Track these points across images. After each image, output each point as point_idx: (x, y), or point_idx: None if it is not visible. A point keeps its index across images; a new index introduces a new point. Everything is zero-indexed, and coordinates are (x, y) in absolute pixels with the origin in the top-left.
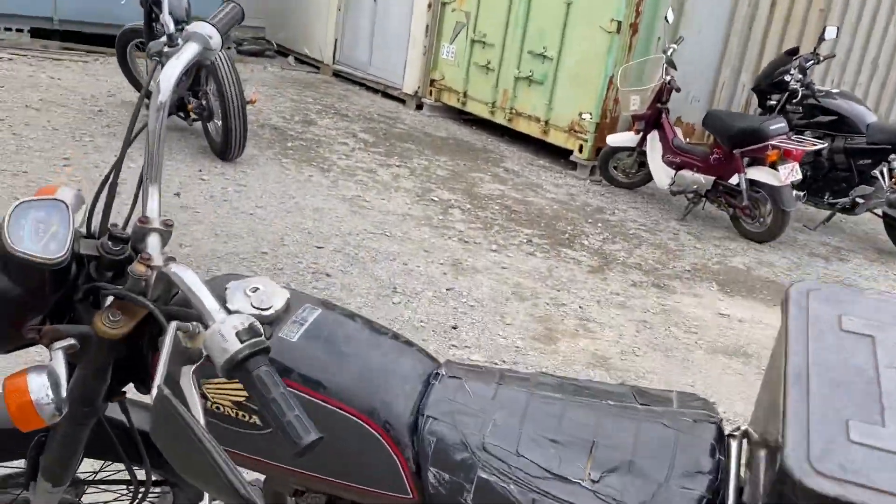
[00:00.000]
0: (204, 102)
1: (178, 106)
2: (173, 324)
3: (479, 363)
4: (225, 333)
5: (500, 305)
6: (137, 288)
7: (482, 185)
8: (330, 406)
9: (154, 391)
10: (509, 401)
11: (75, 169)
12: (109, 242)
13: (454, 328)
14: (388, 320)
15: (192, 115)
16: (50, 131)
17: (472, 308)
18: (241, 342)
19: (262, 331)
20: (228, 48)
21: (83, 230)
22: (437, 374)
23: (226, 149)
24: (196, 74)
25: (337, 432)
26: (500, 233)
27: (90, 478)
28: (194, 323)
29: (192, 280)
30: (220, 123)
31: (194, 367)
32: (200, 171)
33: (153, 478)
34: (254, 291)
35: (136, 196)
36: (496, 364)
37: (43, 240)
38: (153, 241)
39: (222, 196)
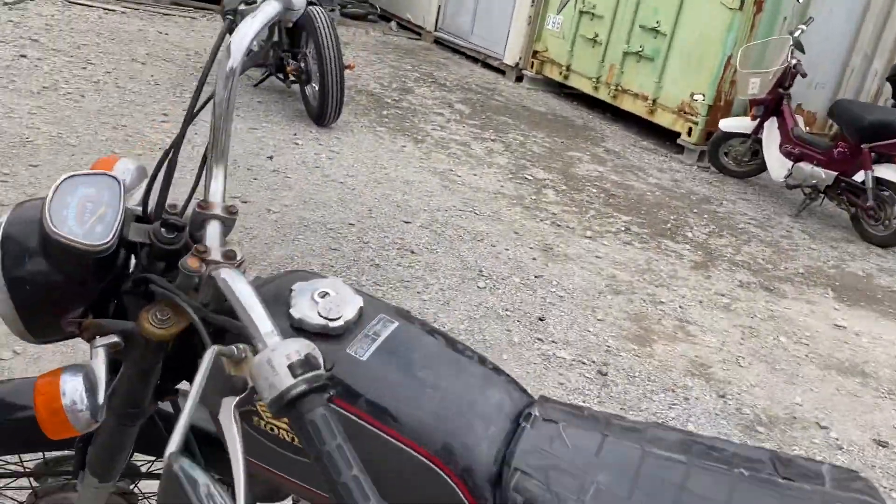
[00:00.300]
0: (303, 65)
1: (277, 67)
2: (211, 350)
3: (581, 405)
4: (275, 364)
5: (592, 298)
6: (188, 285)
7: (580, 166)
8: (399, 443)
9: (165, 458)
10: (617, 458)
11: (173, 125)
12: (163, 229)
13: (541, 320)
14: (472, 306)
15: (291, 77)
16: (152, 86)
17: (562, 299)
18: (295, 376)
19: (321, 363)
20: (332, 10)
21: (140, 209)
22: (530, 414)
23: (322, 114)
24: (296, 35)
25: (404, 474)
26: (596, 218)
27: (144, 469)
28: (241, 345)
29: (242, 290)
30: (317, 87)
31: (237, 399)
32: (295, 135)
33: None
34: (322, 297)
35: (197, 176)
36: (589, 407)
37: (88, 222)
38: (212, 231)
39: (314, 162)
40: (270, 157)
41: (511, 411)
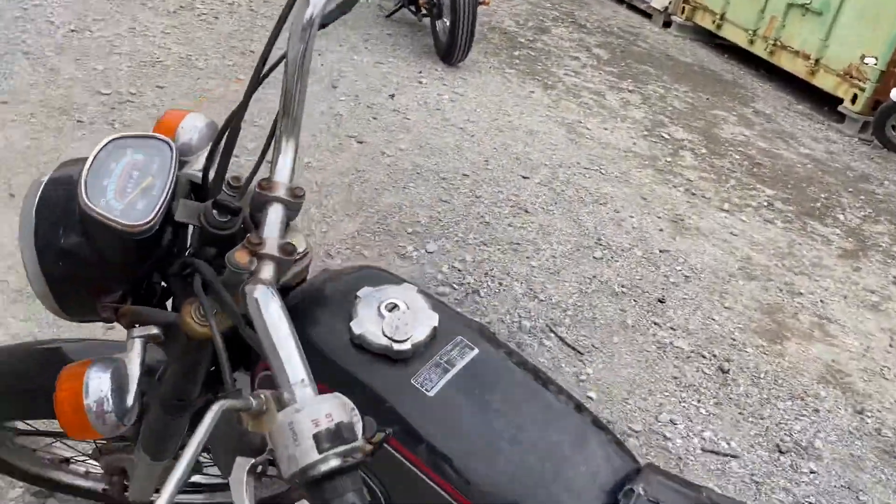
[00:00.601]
0: None
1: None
2: (218, 405)
3: (699, 485)
4: (299, 430)
5: (722, 282)
6: (235, 281)
7: (724, 127)
8: None
9: None
10: None
11: None
12: (215, 211)
13: (661, 301)
14: (585, 278)
15: (423, 10)
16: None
17: (687, 280)
18: (320, 451)
19: (358, 434)
20: None
21: (200, 175)
22: (632, 490)
23: (450, 51)
24: None
25: None
26: (736, 189)
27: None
28: (264, 394)
29: (274, 319)
30: (448, 22)
31: (253, 462)
32: (420, 72)
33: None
34: (391, 310)
35: (264, 147)
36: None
37: (130, 195)
38: (273, 216)
39: (436, 104)
40: (392, 96)
41: (608, 482)
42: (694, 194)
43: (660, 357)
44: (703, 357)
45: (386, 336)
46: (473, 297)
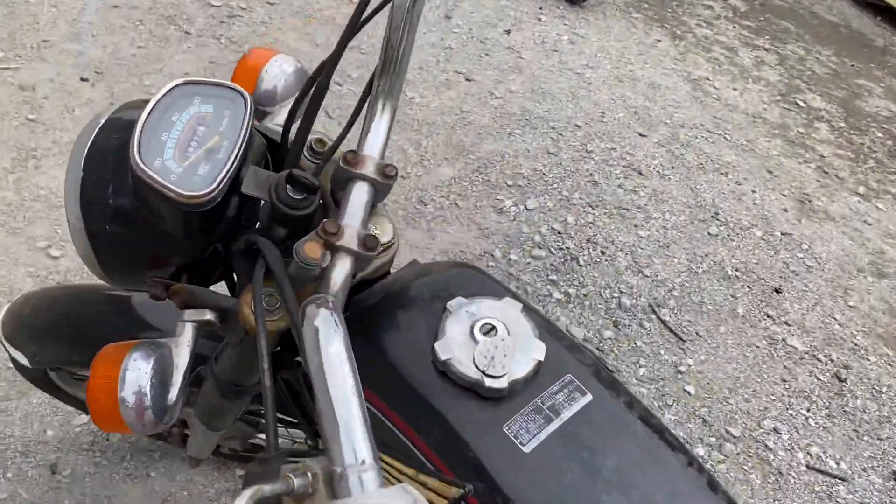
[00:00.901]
0: None
1: None
2: (252, 491)
3: None
4: None
5: (848, 276)
6: (303, 276)
7: (868, 100)
8: None
9: None
10: None
11: None
12: (288, 187)
13: (777, 291)
14: (696, 256)
15: None
16: None
17: (808, 269)
18: None
19: None
20: None
21: (280, 132)
22: None
23: None
24: None
25: None
26: (876, 171)
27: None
28: (313, 471)
29: (333, 363)
30: None
31: None
32: (541, 8)
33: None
34: (487, 332)
35: (356, 110)
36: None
37: (192, 156)
38: (357, 198)
39: (554, 44)
40: (508, 32)
41: None
42: (826, 173)
43: (769, 355)
44: (819, 360)
45: (477, 367)
46: (571, 265)
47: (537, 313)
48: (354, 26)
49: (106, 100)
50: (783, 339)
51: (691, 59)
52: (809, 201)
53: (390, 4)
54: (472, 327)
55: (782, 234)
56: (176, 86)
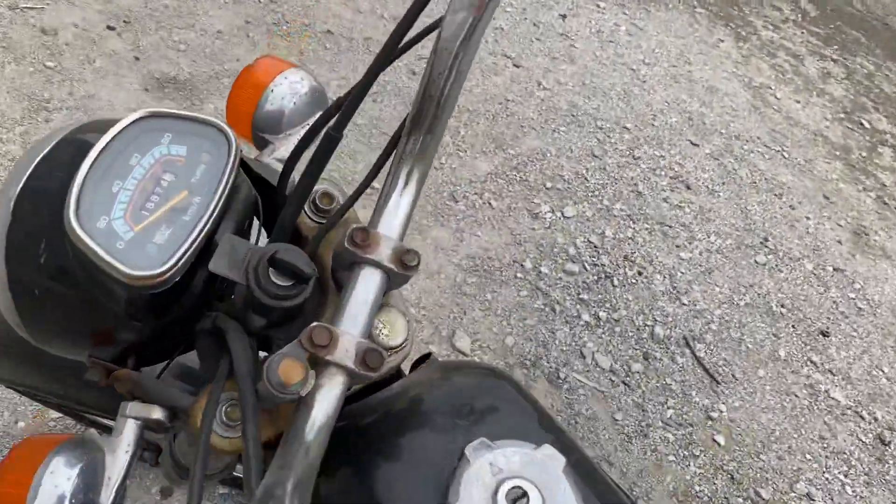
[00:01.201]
0: None
1: None
2: None
3: None
4: None
5: None
6: (279, 400)
7: None
8: None
9: None
10: None
11: None
12: (271, 271)
13: (824, 335)
14: (740, 286)
15: None
16: None
17: (859, 312)
18: None
19: None
20: None
21: (280, 171)
22: None
23: None
24: None
25: None
26: None
27: None
28: None
29: None
30: None
31: None
32: None
33: None
34: (516, 500)
35: (372, 170)
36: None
37: (149, 217)
38: (363, 291)
39: (610, 35)
40: (563, 17)
41: None
42: (886, 204)
43: (810, 407)
44: (862, 418)
45: None
46: (605, 284)
47: (587, 461)
48: (389, 54)
49: (130, 53)
50: (825, 390)
51: (754, 63)
52: (866, 234)
53: (438, 32)
54: (496, 491)
55: (834, 269)
56: (141, 117)
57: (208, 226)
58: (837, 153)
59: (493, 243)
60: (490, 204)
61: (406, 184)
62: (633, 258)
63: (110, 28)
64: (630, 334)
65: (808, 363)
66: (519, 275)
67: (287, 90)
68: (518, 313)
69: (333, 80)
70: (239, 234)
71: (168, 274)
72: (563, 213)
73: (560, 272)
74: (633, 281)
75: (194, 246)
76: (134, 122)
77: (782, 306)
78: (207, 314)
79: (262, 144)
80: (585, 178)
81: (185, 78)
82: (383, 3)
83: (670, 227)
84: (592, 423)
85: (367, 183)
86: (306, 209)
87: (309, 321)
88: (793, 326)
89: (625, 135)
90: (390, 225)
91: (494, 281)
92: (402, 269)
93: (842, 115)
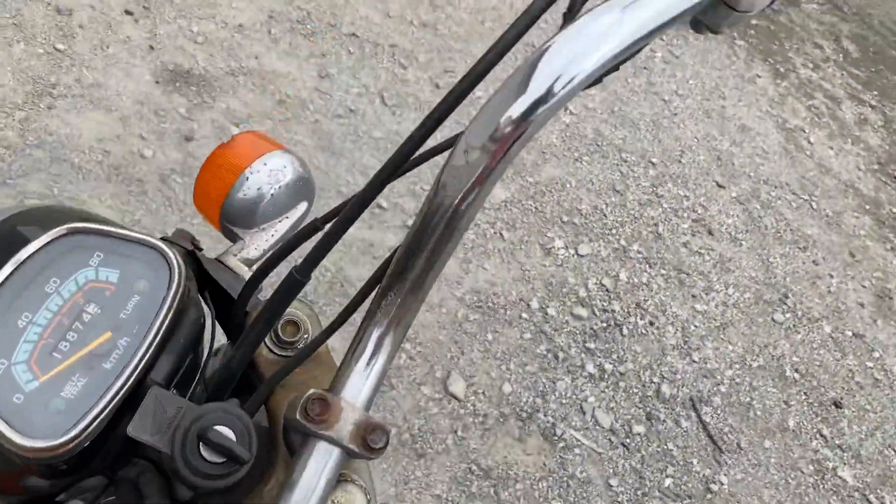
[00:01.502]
0: None
1: None
2: None
3: None
4: None
5: None
6: None
7: None
8: None
9: None
10: None
11: None
12: (200, 446)
13: (837, 406)
14: (755, 345)
15: None
16: None
17: (876, 384)
18: None
19: None
20: None
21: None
22: None
23: None
24: None
25: None
26: None
27: None
28: None
29: None
30: None
31: None
32: None
33: None
34: None
35: (344, 312)
36: None
37: (60, 364)
38: (312, 472)
39: (645, 61)
40: None
41: None
42: None
43: (815, 485)
44: (869, 502)
45: None
46: (614, 333)
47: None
48: (385, 180)
49: (146, 41)
50: (833, 468)
51: (790, 104)
52: (890, 298)
53: (439, 177)
54: None
55: (854, 334)
56: (67, 233)
57: (134, 376)
58: (867, 207)
59: (501, 278)
60: (501, 235)
61: (381, 341)
62: (645, 306)
63: (128, 13)
64: (635, 391)
65: (818, 436)
66: (524, 315)
67: (265, 178)
68: (519, 358)
69: (353, 87)
70: (178, 375)
71: (72, 444)
72: (576, 251)
73: (567, 315)
74: (644, 332)
75: (112, 405)
76: (59, 237)
77: (796, 371)
78: (133, 462)
79: (231, 237)
80: (604, 214)
81: (199, 72)
82: (414, 8)
83: (688, 274)
84: (585, 486)
85: (340, 321)
86: (267, 341)
87: (254, 483)
88: (805, 394)
89: (650, 170)
90: (356, 390)
91: (498, 320)
92: (364, 450)
93: (875, 167)
